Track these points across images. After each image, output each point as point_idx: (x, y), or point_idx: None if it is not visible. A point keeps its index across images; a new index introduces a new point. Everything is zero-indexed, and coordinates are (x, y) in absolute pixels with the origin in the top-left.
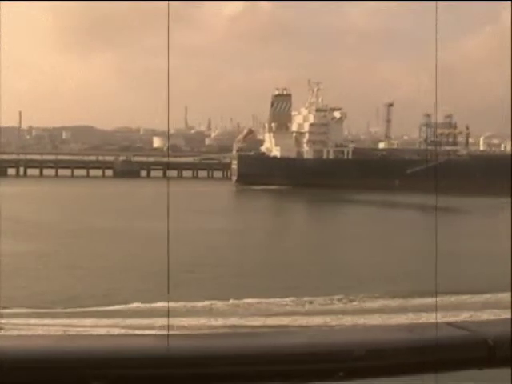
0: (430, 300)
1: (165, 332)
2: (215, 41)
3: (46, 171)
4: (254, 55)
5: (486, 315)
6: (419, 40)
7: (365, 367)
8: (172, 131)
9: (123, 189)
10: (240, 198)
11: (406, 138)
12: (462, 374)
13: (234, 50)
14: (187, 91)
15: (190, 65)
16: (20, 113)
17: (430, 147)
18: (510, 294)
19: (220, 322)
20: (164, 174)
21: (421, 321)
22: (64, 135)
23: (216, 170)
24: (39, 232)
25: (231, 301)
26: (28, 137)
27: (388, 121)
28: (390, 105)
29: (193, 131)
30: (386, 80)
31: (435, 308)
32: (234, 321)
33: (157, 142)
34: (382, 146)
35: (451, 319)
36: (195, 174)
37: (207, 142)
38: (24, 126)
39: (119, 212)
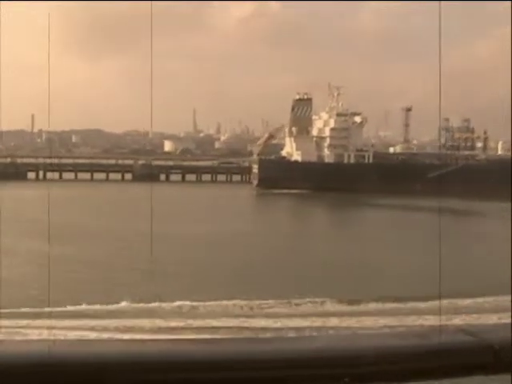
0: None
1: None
2: (225, 43)
3: (65, 175)
4: (264, 58)
5: None
6: (429, 42)
7: (370, 373)
8: (182, 135)
9: (149, 192)
10: (263, 201)
11: (415, 141)
12: (467, 380)
13: (243, 53)
14: (196, 94)
15: (199, 67)
16: (33, 116)
17: (447, 151)
18: None
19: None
20: (183, 177)
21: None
22: (74, 139)
23: (234, 173)
24: (90, 236)
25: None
26: (39, 140)
27: (406, 125)
28: (409, 109)
29: (202, 134)
30: (396, 83)
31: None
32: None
33: (168, 146)
34: (392, 150)
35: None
36: (214, 178)
37: (217, 145)
38: (34, 129)
39: (157, 216)
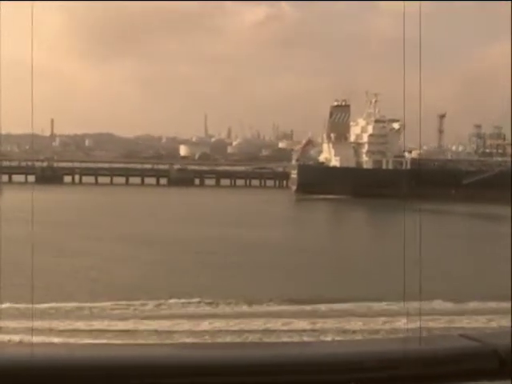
0: None
1: None
2: (238, 47)
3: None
4: (276, 61)
5: None
6: (442, 47)
7: (376, 378)
8: (194, 139)
9: (198, 197)
10: (304, 206)
11: (425, 147)
12: None
13: (256, 57)
14: (206, 98)
15: (211, 71)
16: (52, 120)
17: (481, 158)
18: None
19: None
20: (217, 182)
21: None
22: (87, 143)
23: (268, 178)
24: (154, 241)
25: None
26: (54, 144)
27: (440, 131)
28: (442, 116)
29: (213, 139)
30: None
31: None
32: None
33: (183, 150)
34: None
35: None
36: (248, 183)
37: (229, 150)
38: (47, 133)
39: (211, 220)
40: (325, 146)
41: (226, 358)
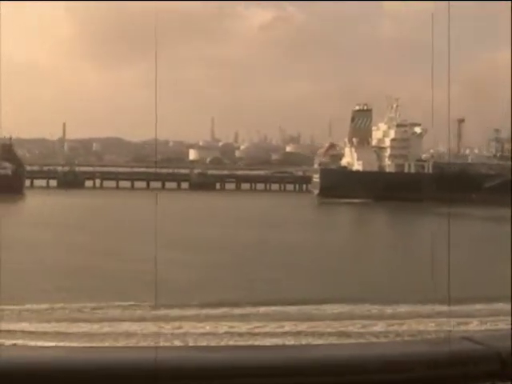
0: None
1: None
2: (245, 51)
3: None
4: (283, 65)
5: None
6: (445, 49)
7: (380, 380)
8: (201, 143)
9: (224, 201)
10: (329, 210)
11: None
12: None
13: (262, 61)
14: (213, 102)
15: (218, 75)
16: (64, 124)
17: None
18: None
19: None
20: (237, 186)
21: None
22: (94, 147)
23: (288, 183)
24: (204, 245)
25: None
26: (64, 148)
27: (459, 136)
28: (461, 120)
29: (220, 143)
30: (413, 92)
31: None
32: None
33: (193, 155)
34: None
35: None
36: (268, 187)
37: (237, 154)
38: (55, 137)
39: (248, 224)
40: (347, 150)
41: (228, 361)
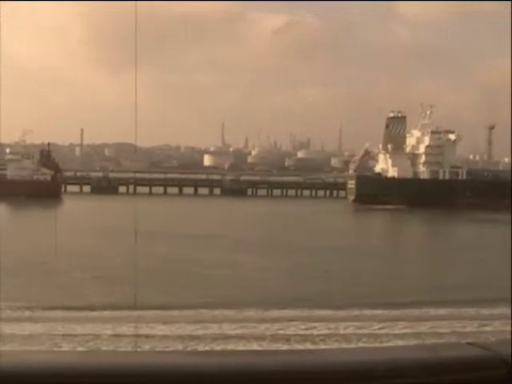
0: None
1: None
2: (255, 56)
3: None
4: (294, 71)
5: None
6: (458, 56)
7: None
8: (211, 149)
9: (266, 207)
10: (366, 216)
11: (471, 157)
12: None
13: (273, 66)
14: (223, 107)
15: (229, 80)
16: (82, 130)
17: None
18: None
19: None
20: (268, 192)
21: None
22: (106, 152)
23: (319, 189)
24: (262, 249)
25: None
26: (78, 154)
27: (489, 143)
28: (492, 127)
29: (231, 149)
30: (424, 98)
31: None
32: None
33: (208, 160)
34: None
35: None
36: (299, 193)
37: (249, 159)
38: (66, 142)
39: (300, 230)
40: (381, 156)
41: (231, 366)
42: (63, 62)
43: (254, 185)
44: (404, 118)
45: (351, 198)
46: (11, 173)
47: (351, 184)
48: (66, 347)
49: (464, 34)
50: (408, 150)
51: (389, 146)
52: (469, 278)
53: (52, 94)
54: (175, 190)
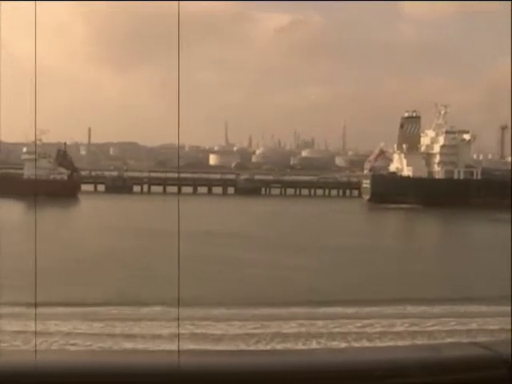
0: None
1: None
2: (260, 55)
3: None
4: (297, 70)
5: None
6: (465, 55)
7: None
8: (215, 148)
9: (287, 207)
10: (383, 215)
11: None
12: None
13: (278, 65)
14: (226, 107)
15: (234, 79)
16: (89, 129)
17: None
18: None
19: None
20: (282, 191)
21: None
22: (111, 151)
23: (332, 188)
24: (290, 248)
25: None
26: (82, 153)
27: (502, 142)
28: (504, 127)
29: (235, 148)
30: (431, 96)
31: None
32: None
33: (213, 160)
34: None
35: None
36: (312, 193)
37: (253, 159)
38: (69, 141)
39: (322, 229)
40: (395, 156)
41: (231, 366)
42: (66, 61)
43: (268, 184)
44: (418, 118)
45: (366, 197)
46: (28, 172)
47: (366, 183)
48: None
49: (469, 33)
50: (422, 149)
51: (404, 146)
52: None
53: (55, 93)
54: (189, 189)
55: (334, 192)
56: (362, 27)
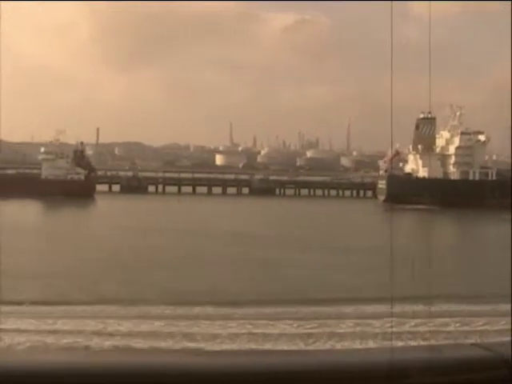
0: None
1: None
2: (264, 55)
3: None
4: (302, 70)
5: None
6: (471, 55)
7: None
8: (220, 148)
9: (306, 207)
10: (400, 216)
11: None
12: None
13: (281, 65)
14: (231, 107)
15: (238, 79)
16: (98, 129)
17: None
18: None
19: None
20: (296, 192)
21: None
22: (117, 151)
23: (346, 189)
24: (318, 247)
25: None
26: (90, 152)
27: None
28: None
29: (240, 148)
30: (436, 97)
31: None
32: None
33: (220, 160)
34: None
35: None
36: (327, 193)
37: (259, 159)
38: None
39: (345, 229)
40: (411, 157)
41: (232, 366)
42: (70, 61)
43: (282, 184)
44: (434, 119)
45: (381, 198)
46: (46, 172)
47: (382, 184)
48: None
49: (476, 33)
50: (438, 150)
51: (419, 147)
52: None
53: (59, 93)
54: (203, 189)
55: (347, 193)
56: (367, 27)
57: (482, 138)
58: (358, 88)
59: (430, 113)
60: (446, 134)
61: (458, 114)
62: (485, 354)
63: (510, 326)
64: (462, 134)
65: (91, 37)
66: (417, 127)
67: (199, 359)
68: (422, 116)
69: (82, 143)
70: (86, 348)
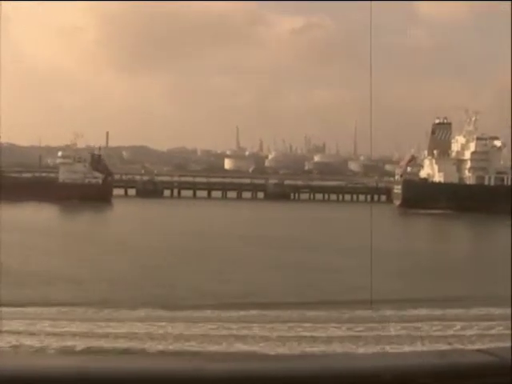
0: None
1: None
2: (270, 59)
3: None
4: (309, 74)
5: None
6: (478, 57)
7: None
8: (227, 152)
9: (322, 212)
10: (416, 220)
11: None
12: None
13: (291, 68)
14: (237, 111)
15: (243, 83)
16: (107, 133)
17: None
18: None
19: None
20: (310, 196)
21: None
22: (124, 155)
23: (360, 193)
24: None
25: None
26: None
27: None
28: None
29: (247, 153)
30: (441, 100)
31: None
32: None
33: (228, 164)
34: None
35: None
36: (340, 198)
37: (266, 163)
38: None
39: (366, 233)
40: (426, 161)
41: (235, 370)
42: (77, 63)
43: (297, 189)
44: (449, 124)
45: (397, 202)
46: (63, 176)
47: (397, 189)
48: None
49: (483, 35)
50: (453, 155)
51: (435, 152)
52: None
53: (65, 96)
54: (218, 193)
55: (361, 197)
56: (374, 31)
57: (497, 143)
58: (366, 91)
59: (445, 118)
60: (461, 139)
61: (473, 119)
62: (490, 359)
63: None
64: (478, 139)
65: (98, 40)
66: (433, 132)
67: (195, 363)
68: (437, 121)
69: (99, 148)
70: (141, 351)
